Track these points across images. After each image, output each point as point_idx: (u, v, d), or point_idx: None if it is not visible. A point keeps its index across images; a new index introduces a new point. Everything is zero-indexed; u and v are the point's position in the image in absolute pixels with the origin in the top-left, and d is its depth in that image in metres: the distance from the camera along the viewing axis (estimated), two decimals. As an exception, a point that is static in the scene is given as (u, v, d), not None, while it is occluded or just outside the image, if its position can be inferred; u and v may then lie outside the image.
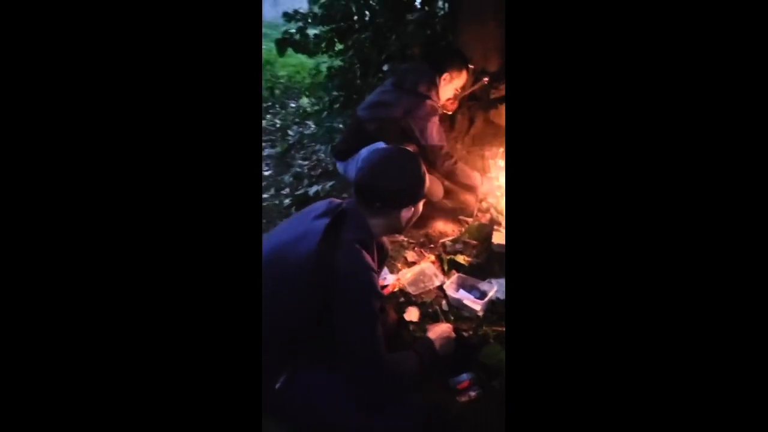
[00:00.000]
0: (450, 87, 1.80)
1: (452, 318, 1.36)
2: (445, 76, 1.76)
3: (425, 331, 1.23)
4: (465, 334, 1.29)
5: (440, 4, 2.47)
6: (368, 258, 0.92)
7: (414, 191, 0.97)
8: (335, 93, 2.53)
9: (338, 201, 1.03)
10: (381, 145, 1.64)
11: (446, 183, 1.92)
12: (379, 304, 0.92)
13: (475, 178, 1.84)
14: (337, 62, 2.77)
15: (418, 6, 2.46)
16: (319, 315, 0.89)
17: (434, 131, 1.73)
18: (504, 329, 1.30)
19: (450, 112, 2.05)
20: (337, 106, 2.52)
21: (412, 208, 0.99)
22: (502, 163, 1.81)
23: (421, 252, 1.70)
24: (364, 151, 1.68)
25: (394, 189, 0.95)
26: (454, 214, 1.89)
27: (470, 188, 1.86)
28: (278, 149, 2.78)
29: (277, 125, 3.29)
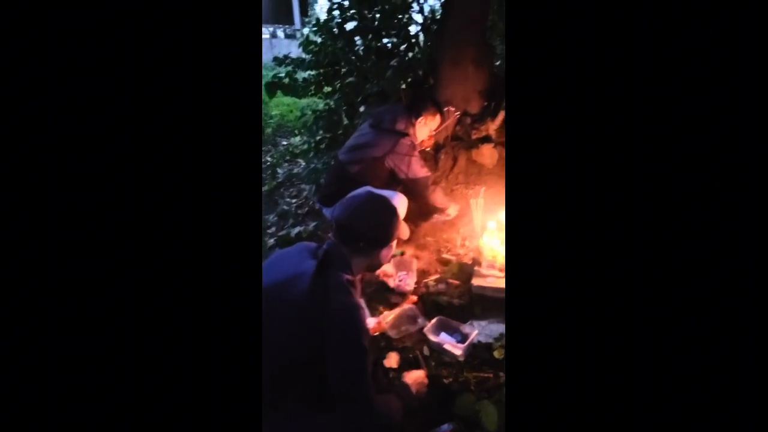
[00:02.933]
0: (425, 129, 1.89)
1: (433, 364, 1.33)
2: (420, 119, 1.84)
3: (400, 377, 1.22)
4: (445, 381, 1.26)
5: (422, 51, 2.59)
6: (356, 296, 0.97)
7: (388, 232, 1.06)
8: (321, 134, 2.60)
9: (315, 245, 1.08)
10: (368, 189, 1.69)
11: (438, 219, 2.00)
12: (368, 341, 0.95)
13: (446, 201, 1.97)
14: (322, 105, 2.87)
15: (402, 52, 2.59)
16: (311, 356, 0.91)
17: (417, 165, 1.81)
18: (487, 375, 1.27)
19: (428, 149, 2.19)
20: (323, 146, 2.59)
21: (393, 246, 1.08)
22: (482, 201, 1.83)
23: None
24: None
25: (371, 231, 1.03)
26: (438, 252, 1.90)
27: (439, 210, 1.98)
28: (266, 188, 2.81)
29: (267, 163, 3.35)
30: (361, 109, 2.44)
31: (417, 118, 1.84)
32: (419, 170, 1.80)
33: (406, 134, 1.79)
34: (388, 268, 1.60)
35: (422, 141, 1.94)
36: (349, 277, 0.99)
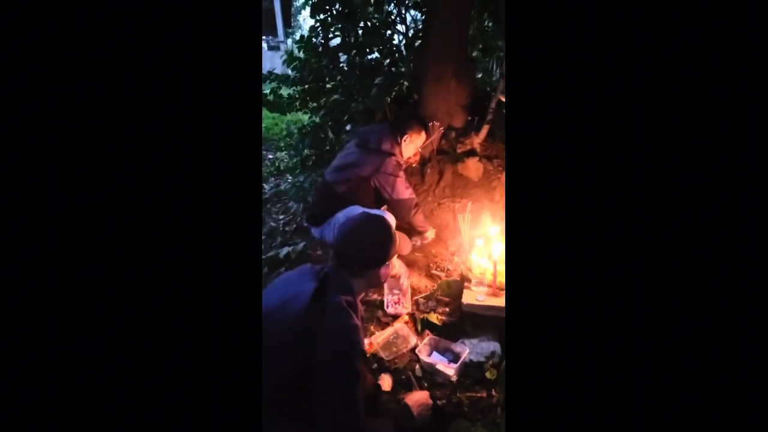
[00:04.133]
0: (411, 147, 1.90)
1: (426, 385, 1.32)
2: (405, 137, 1.85)
3: (398, 400, 1.21)
4: (439, 402, 1.25)
5: (406, 65, 2.61)
6: (354, 317, 0.97)
7: (386, 251, 1.07)
8: (307, 152, 2.59)
9: (319, 267, 1.10)
10: (357, 208, 1.69)
11: (416, 241, 1.98)
12: (362, 363, 0.94)
13: (426, 224, 1.95)
14: (308, 121, 2.86)
15: (386, 68, 2.61)
16: (305, 377, 0.90)
17: (402, 186, 1.80)
18: (480, 395, 1.27)
19: (415, 165, 2.19)
20: (310, 164, 2.57)
21: (389, 264, 1.09)
22: (470, 217, 1.85)
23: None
24: (341, 216, 1.72)
25: (369, 253, 1.04)
26: (427, 268, 1.90)
27: (419, 233, 1.95)
28: (253, 205, 2.78)
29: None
30: (348, 127, 2.45)
31: (402, 136, 1.85)
32: (403, 191, 1.81)
33: (392, 154, 1.80)
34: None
35: (408, 158, 1.95)
36: (348, 298, 0.98)
